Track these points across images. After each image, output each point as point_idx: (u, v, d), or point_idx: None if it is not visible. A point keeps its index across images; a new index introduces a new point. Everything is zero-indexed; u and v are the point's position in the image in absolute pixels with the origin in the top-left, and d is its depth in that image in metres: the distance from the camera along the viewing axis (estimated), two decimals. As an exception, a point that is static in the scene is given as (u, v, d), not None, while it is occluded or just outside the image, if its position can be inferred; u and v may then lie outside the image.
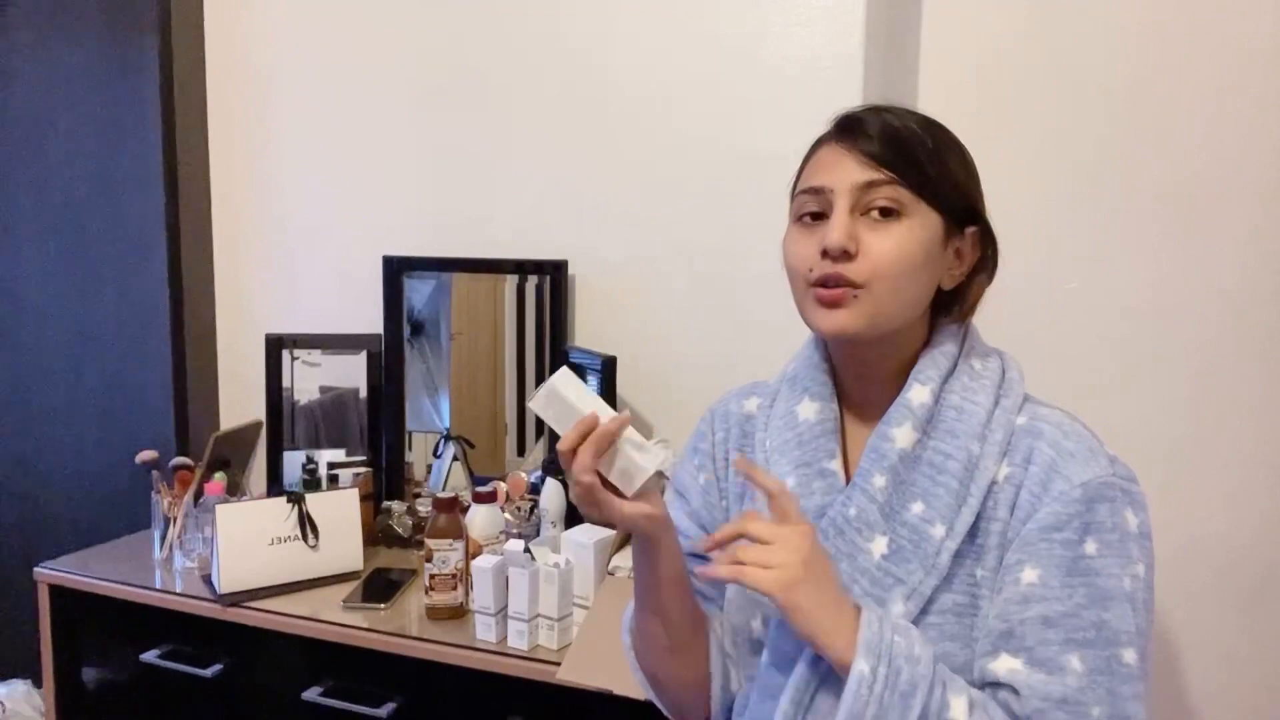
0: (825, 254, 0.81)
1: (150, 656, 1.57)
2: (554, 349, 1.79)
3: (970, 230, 0.85)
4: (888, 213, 0.81)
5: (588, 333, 1.81)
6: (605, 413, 0.84)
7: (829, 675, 0.79)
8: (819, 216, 0.84)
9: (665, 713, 1.01)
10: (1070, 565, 0.76)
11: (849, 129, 0.84)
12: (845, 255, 0.80)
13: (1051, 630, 0.76)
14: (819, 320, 0.83)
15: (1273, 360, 1.45)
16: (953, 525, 0.80)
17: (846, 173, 0.82)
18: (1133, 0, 1.47)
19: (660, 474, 0.86)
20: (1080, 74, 1.51)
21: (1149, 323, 1.50)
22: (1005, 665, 0.77)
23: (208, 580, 1.60)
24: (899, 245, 0.80)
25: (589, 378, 1.68)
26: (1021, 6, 1.53)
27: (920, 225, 0.81)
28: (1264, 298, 1.44)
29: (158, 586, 1.60)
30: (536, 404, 0.86)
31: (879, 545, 0.82)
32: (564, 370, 0.87)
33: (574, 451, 0.83)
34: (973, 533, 0.81)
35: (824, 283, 0.82)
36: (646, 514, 0.85)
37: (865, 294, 0.81)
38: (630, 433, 0.84)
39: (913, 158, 0.81)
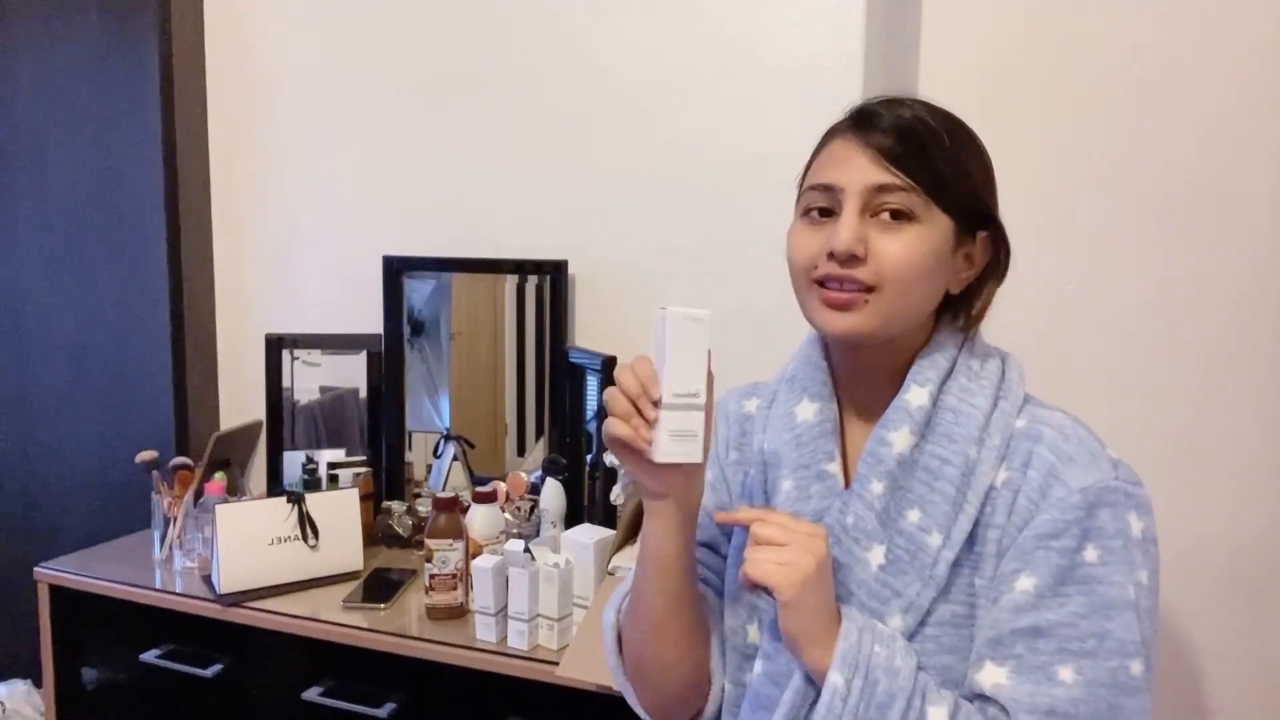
0: (832, 256, 0.79)
1: (150, 656, 1.57)
2: (554, 349, 1.79)
3: (981, 234, 0.83)
4: (899, 216, 0.78)
5: (588, 333, 1.81)
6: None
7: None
8: (827, 213, 0.81)
9: (639, 710, 0.96)
10: (1066, 573, 0.74)
11: (864, 123, 0.81)
12: (853, 259, 0.78)
13: (1042, 640, 0.74)
14: (827, 321, 0.81)
15: (1277, 361, 1.45)
16: (950, 533, 0.78)
17: (858, 172, 0.79)
18: (1133, 1, 1.47)
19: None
20: (1081, 74, 1.51)
21: (1152, 324, 1.50)
22: (990, 678, 0.75)
23: (208, 580, 1.60)
24: (909, 251, 0.78)
25: (588, 378, 1.68)
26: (1022, 7, 1.53)
27: (931, 230, 0.79)
28: (1267, 298, 1.44)
29: (158, 586, 1.60)
30: (673, 315, 0.80)
31: (876, 555, 0.80)
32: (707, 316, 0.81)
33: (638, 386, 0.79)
34: (970, 540, 0.79)
35: (830, 282, 0.80)
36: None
37: (876, 297, 0.78)
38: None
39: (928, 160, 0.78)
